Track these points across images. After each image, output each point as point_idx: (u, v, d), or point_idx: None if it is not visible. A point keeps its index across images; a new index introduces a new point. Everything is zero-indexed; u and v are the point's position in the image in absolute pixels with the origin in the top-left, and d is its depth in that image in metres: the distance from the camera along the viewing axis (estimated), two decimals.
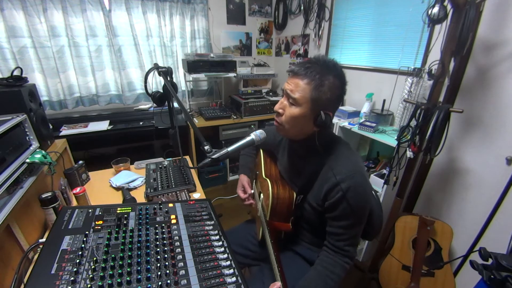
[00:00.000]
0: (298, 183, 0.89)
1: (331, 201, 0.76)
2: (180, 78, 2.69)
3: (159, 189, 1.18)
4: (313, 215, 0.86)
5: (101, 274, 0.61)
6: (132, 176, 1.29)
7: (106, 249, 0.69)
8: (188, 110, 2.63)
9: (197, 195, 1.21)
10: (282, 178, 1.00)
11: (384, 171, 1.62)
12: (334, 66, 0.74)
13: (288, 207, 0.87)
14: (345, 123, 1.77)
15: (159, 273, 0.64)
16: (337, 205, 0.75)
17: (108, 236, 0.73)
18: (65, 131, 1.99)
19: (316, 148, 0.81)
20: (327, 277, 0.76)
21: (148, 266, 0.65)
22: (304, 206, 0.87)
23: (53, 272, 0.61)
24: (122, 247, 0.70)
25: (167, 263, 0.67)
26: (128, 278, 0.61)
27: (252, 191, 1.04)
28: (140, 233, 0.77)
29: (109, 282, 0.60)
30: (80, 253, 0.66)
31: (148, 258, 0.67)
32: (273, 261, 0.76)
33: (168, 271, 0.64)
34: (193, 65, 2.31)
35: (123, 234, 0.75)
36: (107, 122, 2.20)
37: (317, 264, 0.80)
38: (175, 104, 1.17)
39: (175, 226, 0.82)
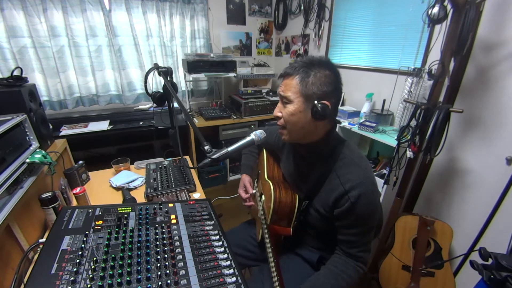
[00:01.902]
0: (304, 188, 0.88)
1: (341, 209, 0.74)
2: (180, 78, 2.69)
3: (159, 189, 1.18)
4: (318, 221, 0.84)
5: (101, 274, 0.61)
6: (132, 176, 1.29)
7: (106, 249, 0.69)
8: (188, 110, 2.63)
9: (197, 195, 1.21)
10: (285, 181, 0.98)
11: (384, 171, 1.62)
12: (320, 59, 0.74)
13: (290, 212, 0.85)
14: (345, 123, 1.77)
15: (159, 273, 0.64)
16: (347, 213, 0.74)
17: (108, 236, 0.73)
18: (65, 131, 1.99)
19: (322, 152, 0.80)
20: (338, 276, 0.74)
21: (148, 266, 0.65)
22: (309, 211, 0.85)
23: (53, 272, 0.61)
24: (122, 247, 0.70)
25: (167, 263, 0.67)
26: (128, 278, 0.61)
27: (254, 191, 1.03)
28: (140, 233, 0.77)
29: (109, 282, 0.60)
30: (80, 253, 0.66)
31: (148, 258, 0.67)
32: (272, 269, 0.75)
33: (168, 271, 0.64)
34: (193, 65, 2.31)
35: (123, 234, 0.75)
36: (107, 122, 2.20)
37: (328, 264, 0.79)
38: (175, 104, 1.17)
39: (175, 226, 0.82)
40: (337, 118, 0.81)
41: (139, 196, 1.17)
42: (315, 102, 0.71)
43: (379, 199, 0.79)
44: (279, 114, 0.78)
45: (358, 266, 0.77)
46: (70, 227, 0.75)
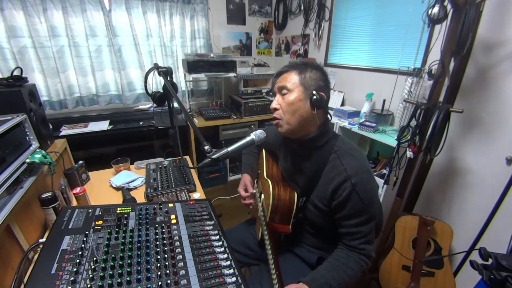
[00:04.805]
0: (301, 184, 0.88)
1: (340, 199, 0.76)
2: (180, 78, 2.69)
3: (159, 189, 1.18)
4: (318, 217, 0.85)
5: (101, 274, 0.61)
6: (132, 176, 1.29)
7: (106, 249, 0.69)
8: (188, 110, 2.63)
9: (197, 195, 1.21)
10: (284, 180, 0.99)
11: (384, 171, 1.62)
12: (312, 63, 0.83)
13: (289, 209, 0.86)
14: (345, 123, 1.76)
15: (159, 273, 0.64)
16: (345, 203, 0.75)
17: (108, 236, 0.73)
18: (65, 131, 1.99)
19: (316, 146, 0.82)
20: (340, 269, 0.74)
21: (148, 266, 0.65)
22: (308, 207, 0.86)
23: (53, 272, 0.61)
24: (122, 247, 0.70)
25: (167, 263, 0.67)
26: (128, 278, 0.61)
27: (254, 190, 1.04)
28: (140, 233, 0.77)
29: (109, 282, 0.60)
30: (80, 253, 0.66)
31: (148, 258, 0.67)
32: (271, 266, 0.75)
33: (168, 271, 0.64)
34: (193, 65, 2.31)
35: (123, 234, 0.75)
36: (107, 122, 2.20)
37: (329, 258, 0.79)
38: (175, 104, 1.17)
39: (175, 226, 0.82)
40: (338, 118, 0.82)
41: (139, 196, 1.17)
42: (314, 92, 0.77)
43: (376, 188, 0.80)
44: (277, 106, 0.82)
45: (361, 260, 0.77)
46: (70, 227, 0.75)
